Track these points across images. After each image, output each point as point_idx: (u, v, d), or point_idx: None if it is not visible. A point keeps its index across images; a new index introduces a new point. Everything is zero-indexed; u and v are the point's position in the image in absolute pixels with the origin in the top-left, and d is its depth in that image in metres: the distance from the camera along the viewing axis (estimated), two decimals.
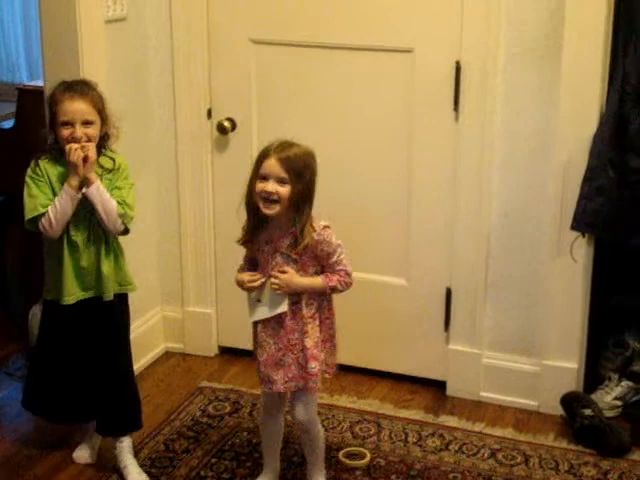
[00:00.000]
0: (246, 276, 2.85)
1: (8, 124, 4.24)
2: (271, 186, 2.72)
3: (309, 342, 2.82)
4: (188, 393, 3.66)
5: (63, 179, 2.90)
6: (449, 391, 3.68)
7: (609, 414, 3.44)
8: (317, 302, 2.84)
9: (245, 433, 3.41)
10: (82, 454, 3.25)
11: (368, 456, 3.27)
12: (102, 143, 2.96)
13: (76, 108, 2.86)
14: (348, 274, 2.82)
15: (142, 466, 3.17)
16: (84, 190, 2.88)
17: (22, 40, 5.53)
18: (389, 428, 3.45)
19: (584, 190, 3.25)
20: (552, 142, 3.34)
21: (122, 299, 3.10)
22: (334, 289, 2.82)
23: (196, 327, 3.97)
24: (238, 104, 3.72)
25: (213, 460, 3.25)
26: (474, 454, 3.30)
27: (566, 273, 3.40)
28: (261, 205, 2.75)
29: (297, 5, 3.55)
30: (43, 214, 2.89)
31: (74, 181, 2.87)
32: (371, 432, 3.42)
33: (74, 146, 2.84)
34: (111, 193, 2.93)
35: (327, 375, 2.92)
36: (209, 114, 3.76)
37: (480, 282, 3.55)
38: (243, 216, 2.85)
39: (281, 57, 3.63)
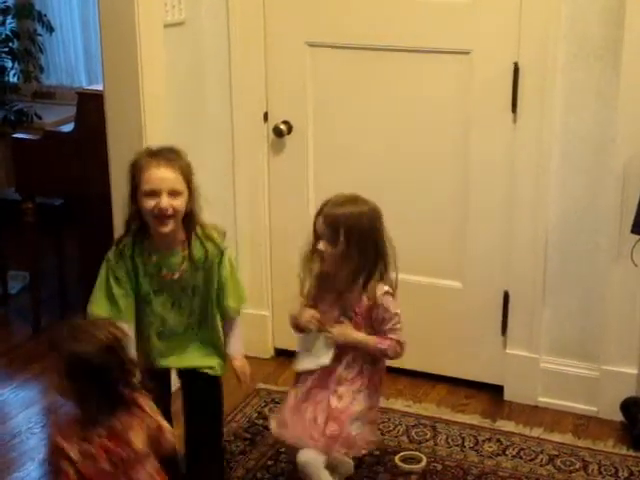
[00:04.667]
0: (307, 313, 2.80)
1: (67, 128, 4.29)
2: (322, 245, 2.73)
3: (335, 403, 2.76)
4: (244, 395, 3.67)
5: (147, 258, 2.74)
6: (506, 396, 3.64)
7: None
8: (358, 367, 2.79)
9: None
10: None
11: (424, 460, 3.25)
12: (189, 223, 2.73)
13: (163, 176, 2.61)
14: (400, 344, 2.79)
15: None
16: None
17: (81, 44, 5.59)
18: (445, 432, 3.43)
19: None
20: (612, 144, 3.30)
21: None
22: (384, 353, 2.78)
23: (252, 329, 3.97)
24: (294, 107, 3.73)
25: (269, 462, 3.26)
26: (532, 459, 3.27)
27: (626, 277, 3.35)
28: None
29: (353, 8, 3.55)
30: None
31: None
32: (427, 436, 3.41)
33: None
34: (218, 283, 2.82)
35: (359, 448, 2.84)
36: (265, 117, 3.77)
37: (538, 286, 3.51)
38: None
39: (337, 60, 3.63)
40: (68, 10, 5.57)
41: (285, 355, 4.01)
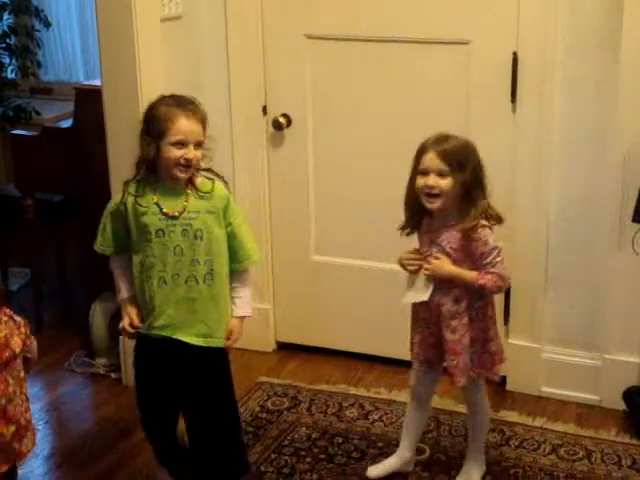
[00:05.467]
0: (405, 254, 2.87)
1: (66, 123, 4.28)
2: (432, 180, 2.72)
3: (450, 336, 2.82)
4: (247, 388, 3.68)
5: (150, 197, 2.75)
6: (509, 386, 3.65)
7: None
8: (467, 300, 2.82)
9: (304, 428, 3.42)
10: None
11: (428, 451, 3.25)
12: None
13: (193, 128, 2.69)
14: (501, 277, 2.78)
15: None
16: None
17: (78, 39, 5.57)
18: (449, 423, 3.43)
19: None
20: (612, 133, 3.29)
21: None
22: (483, 287, 2.78)
23: (254, 323, 3.93)
24: (293, 100, 3.73)
25: (273, 455, 3.26)
26: (535, 449, 3.27)
27: (628, 266, 3.35)
28: (424, 200, 2.77)
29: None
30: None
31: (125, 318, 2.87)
32: (431, 427, 3.40)
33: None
34: (225, 227, 2.81)
35: (479, 375, 2.93)
36: (264, 110, 3.77)
37: (540, 276, 3.51)
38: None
39: (336, 52, 3.62)
40: (65, 5, 5.55)
41: (287, 348, 4.02)
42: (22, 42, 5.23)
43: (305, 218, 3.85)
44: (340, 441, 3.34)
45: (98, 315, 3.90)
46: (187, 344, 2.80)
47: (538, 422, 3.44)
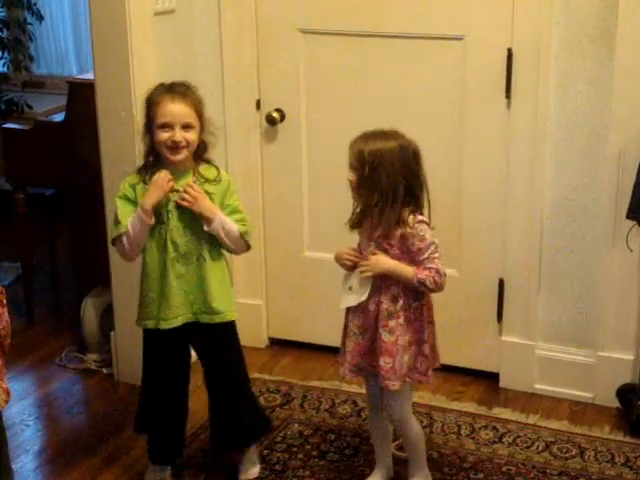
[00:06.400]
0: (346, 249, 2.84)
1: (58, 117, 4.26)
2: (349, 174, 2.76)
3: (387, 336, 2.76)
4: None
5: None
6: (502, 383, 3.64)
7: None
8: (404, 300, 2.77)
9: (296, 425, 3.41)
10: None
11: None
12: (199, 152, 2.85)
13: (177, 110, 2.75)
14: (439, 273, 2.73)
15: (193, 457, 3.21)
16: (207, 228, 2.81)
17: (71, 33, 5.56)
18: (441, 420, 3.42)
19: None
20: (607, 129, 3.28)
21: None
22: (422, 283, 2.72)
23: (246, 319, 3.94)
24: (287, 95, 3.71)
25: (265, 452, 3.24)
26: (528, 447, 3.26)
27: (622, 263, 3.34)
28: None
29: None
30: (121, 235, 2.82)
31: (149, 202, 2.76)
32: (423, 424, 3.39)
33: (164, 176, 2.77)
34: (223, 209, 2.86)
35: (413, 381, 2.85)
36: (258, 105, 3.75)
37: (534, 272, 3.50)
38: None
39: (330, 47, 3.60)
40: None
41: (280, 344, 4.01)
42: (14, 35, 5.22)
43: (298, 214, 3.83)
44: (333, 438, 3.32)
45: (89, 310, 3.88)
46: (196, 324, 2.90)
47: (531, 419, 3.43)
